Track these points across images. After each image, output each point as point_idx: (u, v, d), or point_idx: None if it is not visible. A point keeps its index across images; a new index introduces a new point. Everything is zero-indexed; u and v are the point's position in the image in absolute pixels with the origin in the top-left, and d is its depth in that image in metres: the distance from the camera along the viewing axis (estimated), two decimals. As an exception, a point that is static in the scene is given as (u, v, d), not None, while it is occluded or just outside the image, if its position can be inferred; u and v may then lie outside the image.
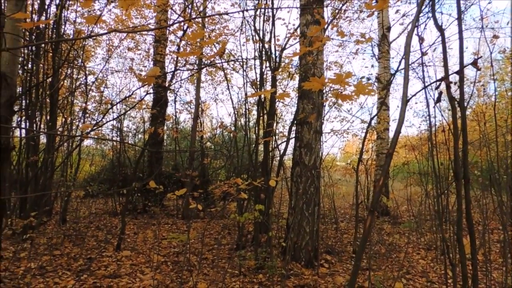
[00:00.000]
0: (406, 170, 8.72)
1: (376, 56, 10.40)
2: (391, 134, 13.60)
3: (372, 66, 10.76)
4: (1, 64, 4.15)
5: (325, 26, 6.46)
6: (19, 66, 6.31)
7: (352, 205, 9.88)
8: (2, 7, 4.44)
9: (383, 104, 9.74)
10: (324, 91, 6.63)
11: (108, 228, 7.61)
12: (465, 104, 2.31)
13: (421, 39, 2.72)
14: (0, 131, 4.08)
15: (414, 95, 2.20)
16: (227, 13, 2.23)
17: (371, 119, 6.71)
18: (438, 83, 2.14)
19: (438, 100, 2.19)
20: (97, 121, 7.06)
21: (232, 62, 8.76)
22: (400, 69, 5.98)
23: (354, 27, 23.76)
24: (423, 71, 3.31)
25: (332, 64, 9.77)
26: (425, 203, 7.20)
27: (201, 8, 9.20)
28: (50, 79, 6.87)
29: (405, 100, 1.70)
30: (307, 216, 5.36)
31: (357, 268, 1.39)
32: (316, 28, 2.00)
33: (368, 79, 7.89)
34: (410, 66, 7.46)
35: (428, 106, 3.34)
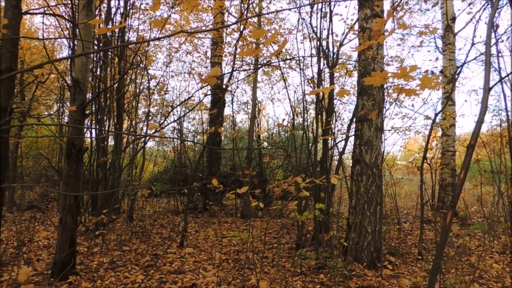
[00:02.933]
0: (476, 169, 8.19)
1: (440, 49, 9.89)
2: (458, 130, 12.87)
3: (437, 59, 10.21)
4: (74, 70, 4.46)
5: (387, 19, 6.28)
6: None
7: (416, 205, 9.42)
8: (76, 17, 4.77)
9: (448, 99, 9.23)
10: (384, 86, 6.40)
11: (171, 226, 7.87)
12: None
13: (496, 26, 2.54)
14: (77, 133, 4.39)
15: (495, 84, 2.05)
16: (283, 10, 2.22)
17: (436, 115, 6.39)
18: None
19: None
20: (160, 123, 7.28)
21: (289, 61, 8.74)
22: (468, 60, 5.63)
23: (415, 19, 22.75)
24: (498, 61, 3.08)
25: (392, 59, 9.44)
26: (497, 204, 6.72)
27: (256, 9, 9.27)
28: (116, 84, 7.21)
29: (487, 88, 1.60)
30: (368, 216, 5.23)
31: (438, 267, 1.32)
32: (381, 20, 1.95)
33: (432, 72, 7.51)
34: (479, 57, 6.96)
35: (505, 99, 3.10)
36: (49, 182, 10.81)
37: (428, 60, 28.51)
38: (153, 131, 5.65)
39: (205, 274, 4.87)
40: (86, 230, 6.68)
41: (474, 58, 6.78)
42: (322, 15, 6.10)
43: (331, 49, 6.06)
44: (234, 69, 8.94)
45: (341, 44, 6.27)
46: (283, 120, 9.64)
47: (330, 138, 6.02)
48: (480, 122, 1.57)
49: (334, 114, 6.43)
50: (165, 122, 7.63)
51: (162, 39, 10.20)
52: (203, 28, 10.19)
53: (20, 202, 9.41)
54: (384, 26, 6.23)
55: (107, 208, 6.62)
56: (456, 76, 8.60)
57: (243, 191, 3.73)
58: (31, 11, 6.26)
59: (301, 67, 6.84)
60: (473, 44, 5.86)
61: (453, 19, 9.72)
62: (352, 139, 5.86)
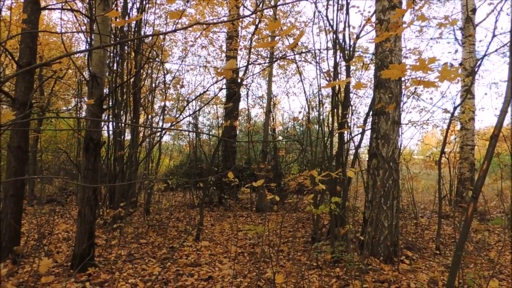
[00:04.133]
0: (496, 163, 8.02)
1: (460, 41, 9.68)
2: (477, 124, 12.61)
3: (456, 51, 10.01)
4: (92, 65, 4.51)
5: (406, 10, 6.17)
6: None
7: (434, 200, 9.28)
8: (93, 12, 4.82)
9: (468, 93, 9.05)
10: (402, 79, 6.32)
11: (187, 219, 7.94)
12: None
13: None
14: (94, 127, 4.44)
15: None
16: (299, 0, 2.19)
17: (455, 108, 6.28)
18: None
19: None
20: (176, 117, 7.33)
21: (304, 54, 8.66)
22: (489, 52, 5.49)
23: (434, 11, 22.29)
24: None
25: (410, 51, 9.31)
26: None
27: (272, 2, 9.22)
28: (133, 79, 7.26)
29: (511, 77, 1.55)
30: (385, 210, 5.20)
31: (459, 259, 1.30)
32: (400, 10, 1.91)
33: (452, 65, 7.37)
34: (500, 49, 6.77)
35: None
36: (67, 176, 10.98)
37: (447, 52, 28.05)
38: (169, 124, 5.62)
39: (221, 267, 4.91)
40: (104, 223, 6.78)
41: (495, 50, 6.65)
42: (339, 8, 6.02)
43: (347, 42, 5.96)
44: (249, 62, 8.93)
45: (358, 37, 6.19)
46: (299, 113, 9.54)
47: (346, 132, 6.00)
48: (504, 111, 1.54)
49: (350, 107, 6.38)
50: (181, 116, 7.64)
51: (178, 32, 10.23)
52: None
53: (40, 195, 9.60)
54: (402, 18, 6.12)
55: (124, 201, 6.72)
56: (476, 69, 8.43)
57: (259, 185, 3.68)
58: (49, 6, 6.35)
59: (317, 60, 6.80)
60: (494, 35, 5.72)
61: (473, 10, 9.50)
62: (368, 132, 5.83)
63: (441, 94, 14.78)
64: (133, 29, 7.70)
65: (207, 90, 7.35)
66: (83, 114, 9.97)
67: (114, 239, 6.04)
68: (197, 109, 9.33)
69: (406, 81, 7.15)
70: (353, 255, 4.69)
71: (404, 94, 7.22)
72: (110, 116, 7.39)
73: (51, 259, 4.88)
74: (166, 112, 8.72)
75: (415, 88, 7.60)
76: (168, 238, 6.29)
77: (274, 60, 9.99)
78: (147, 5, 7.43)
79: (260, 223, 7.67)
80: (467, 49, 9.48)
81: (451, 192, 9.35)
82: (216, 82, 7.12)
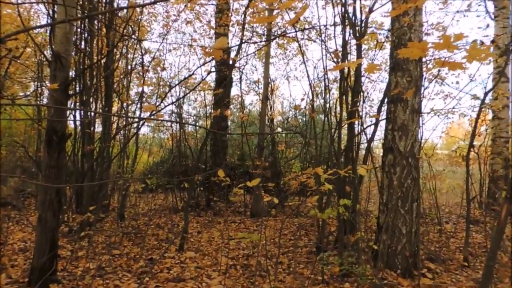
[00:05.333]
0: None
1: (492, 14, 9.65)
2: (512, 113, 12.64)
3: (487, 26, 9.98)
4: (55, 43, 4.46)
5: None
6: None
7: (461, 202, 9.26)
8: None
9: (501, 75, 9.03)
10: (423, 60, 6.34)
11: (169, 226, 7.91)
12: None
13: None
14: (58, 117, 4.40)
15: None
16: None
17: (486, 94, 6.27)
18: None
19: None
20: (156, 105, 7.28)
21: (308, 31, 8.63)
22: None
23: (460, -20, 22.27)
24: None
25: (433, 27, 9.23)
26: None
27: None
28: (104, 59, 7.20)
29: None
30: (403, 215, 5.21)
31: (491, 272, 1.30)
32: (421, -26, 1.89)
33: (482, 42, 7.35)
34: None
35: None
36: (25, 175, 10.88)
37: (477, 28, 28.04)
38: (147, 114, 5.60)
39: (209, 282, 4.90)
40: (70, 231, 6.73)
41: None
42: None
43: (358, 16, 5.96)
44: (243, 41, 8.84)
45: (371, 10, 6.15)
46: (301, 100, 9.51)
47: (356, 122, 6.02)
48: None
49: (361, 93, 6.37)
50: (162, 104, 7.57)
51: (158, 3, 10.13)
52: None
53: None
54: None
55: (94, 205, 6.62)
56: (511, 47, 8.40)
57: (254, 185, 3.75)
58: (3, -27, 6.27)
59: (323, 38, 6.72)
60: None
61: (508, -23, 9.47)
62: (383, 123, 5.81)
63: (469, 77, 14.69)
64: (104, 0, 7.59)
65: (193, 74, 7.38)
66: (45, 101, 9.87)
67: (82, 249, 5.99)
68: (181, 96, 9.25)
69: (428, 62, 7.11)
70: (365, 267, 4.68)
71: (425, 78, 7.26)
72: (77, 103, 7.25)
73: (4, 274, 4.82)
74: (144, 99, 8.76)
75: (439, 71, 7.63)
76: (146, 249, 6.25)
77: (272, 38, 9.94)
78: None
79: (256, 230, 7.66)
80: (500, 23, 9.45)
81: (482, 193, 9.32)
82: (203, 64, 6.99)
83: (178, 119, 9.77)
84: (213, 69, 9.29)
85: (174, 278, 5.01)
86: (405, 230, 5.16)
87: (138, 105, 8.04)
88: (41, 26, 7.38)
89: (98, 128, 8.39)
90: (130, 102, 8.55)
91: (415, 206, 5.30)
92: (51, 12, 6.80)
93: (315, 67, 14.70)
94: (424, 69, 6.44)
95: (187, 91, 10.28)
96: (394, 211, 5.19)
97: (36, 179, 9.38)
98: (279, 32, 9.83)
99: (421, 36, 5.68)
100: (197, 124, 12.94)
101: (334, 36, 6.49)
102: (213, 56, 3.98)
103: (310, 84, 7.14)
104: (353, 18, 5.88)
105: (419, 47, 1.92)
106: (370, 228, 6.56)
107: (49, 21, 6.95)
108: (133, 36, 7.89)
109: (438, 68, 7.10)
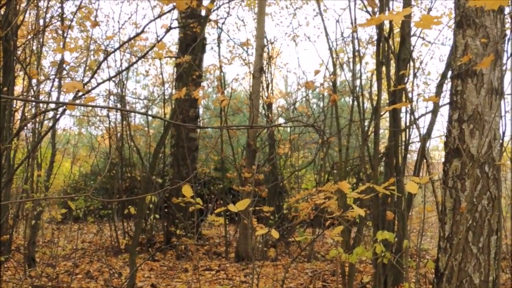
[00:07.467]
0: None
1: None
2: None
3: None
4: None
5: None
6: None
7: None
8: None
9: None
10: (506, 12, 5.46)
11: (107, 276, 6.95)
12: None
13: None
14: None
15: None
16: None
17: None
18: None
19: None
20: (84, 82, 5.89)
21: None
22: None
23: None
24: None
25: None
26: None
27: None
28: (2, 11, 5.78)
29: None
30: (475, 255, 4.66)
31: None
32: None
33: None
34: None
35: None
36: None
37: None
38: (71, 96, 4.61)
39: None
40: None
41: None
42: None
43: None
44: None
45: None
46: (316, 74, 7.86)
47: (404, 109, 5.38)
48: None
49: (411, 63, 5.59)
50: (93, 80, 6.49)
51: None
52: None
53: None
54: None
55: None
56: None
57: (241, 210, 3.07)
58: None
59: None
60: None
61: None
62: (445, 110, 4.96)
63: None
64: None
65: (142, 32, 6.00)
66: None
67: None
68: (124, 68, 8.03)
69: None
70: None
71: (510, 40, 6.04)
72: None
73: None
74: (65, 73, 7.58)
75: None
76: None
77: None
78: None
79: (244, 282, 6.66)
80: None
81: None
82: (159, 16, 5.55)
83: (119, 105, 8.52)
84: (175, 24, 7.63)
85: None
86: (479, 278, 4.72)
87: (56, 83, 6.93)
88: None
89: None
90: (42, 77, 7.48)
91: (494, 241, 4.79)
92: None
93: (337, 21, 12.56)
94: (508, 25, 5.72)
95: (134, 60, 8.83)
96: (462, 249, 4.73)
97: None
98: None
99: (501, -25, 4.74)
100: (150, 112, 11.39)
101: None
102: (174, 4, 3.61)
103: (330, 49, 6.42)
104: None
105: (500, -9, 1.12)
106: (424, 277, 5.99)
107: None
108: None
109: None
